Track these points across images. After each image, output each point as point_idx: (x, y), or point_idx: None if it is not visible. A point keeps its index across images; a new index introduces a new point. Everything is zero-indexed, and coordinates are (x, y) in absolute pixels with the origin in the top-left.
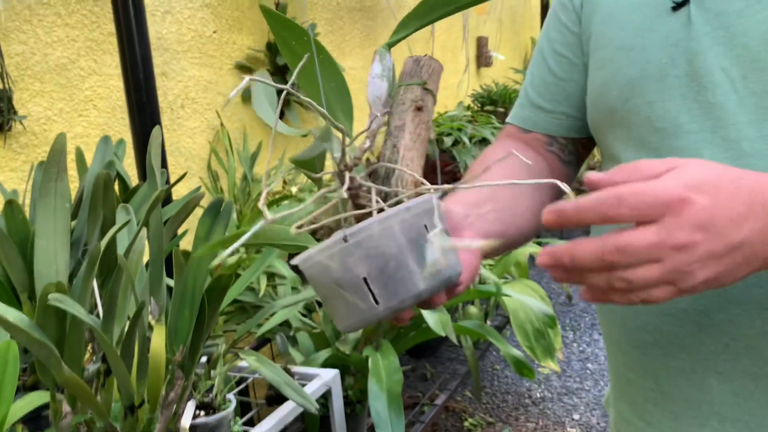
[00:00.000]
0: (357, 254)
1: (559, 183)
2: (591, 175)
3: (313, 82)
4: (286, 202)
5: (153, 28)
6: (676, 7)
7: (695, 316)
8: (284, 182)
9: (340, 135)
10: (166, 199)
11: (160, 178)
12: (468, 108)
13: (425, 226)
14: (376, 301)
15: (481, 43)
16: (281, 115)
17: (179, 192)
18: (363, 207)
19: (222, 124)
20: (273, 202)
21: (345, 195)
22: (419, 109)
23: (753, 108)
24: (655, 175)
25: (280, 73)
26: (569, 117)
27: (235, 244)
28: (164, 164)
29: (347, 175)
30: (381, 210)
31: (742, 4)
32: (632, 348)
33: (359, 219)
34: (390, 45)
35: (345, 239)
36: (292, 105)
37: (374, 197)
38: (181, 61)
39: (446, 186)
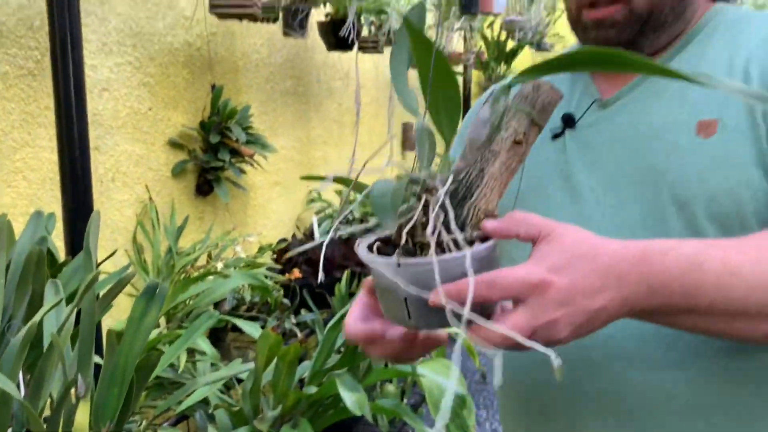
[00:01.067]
0: (403, 275)
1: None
2: (488, 224)
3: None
4: (210, 278)
5: (90, 105)
6: (555, 137)
7: (571, 387)
8: (209, 256)
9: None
10: None
11: (95, 259)
12: None
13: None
14: (410, 317)
15: (407, 128)
16: (209, 191)
17: (102, 265)
18: (427, 216)
19: (150, 198)
20: (197, 278)
21: (429, 237)
22: (518, 143)
23: (611, 217)
24: (535, 234)
25: (212, 150)
26: None
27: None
28: None
29: (431, 201)
30: (439, 242)
31: (603, 138)
32: (523, 416)
33: (424, 224)
34: (509, 87)
35: (398, 264)
36: (222, 181)
37: (435, 229)
38: (114, 136)
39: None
